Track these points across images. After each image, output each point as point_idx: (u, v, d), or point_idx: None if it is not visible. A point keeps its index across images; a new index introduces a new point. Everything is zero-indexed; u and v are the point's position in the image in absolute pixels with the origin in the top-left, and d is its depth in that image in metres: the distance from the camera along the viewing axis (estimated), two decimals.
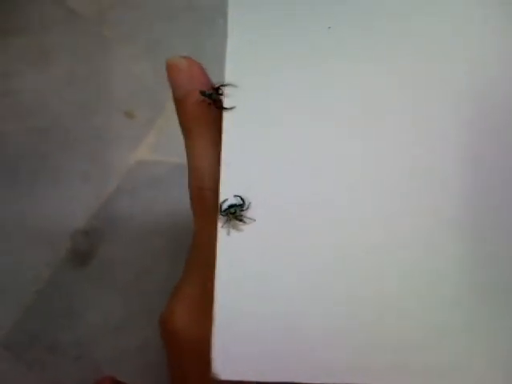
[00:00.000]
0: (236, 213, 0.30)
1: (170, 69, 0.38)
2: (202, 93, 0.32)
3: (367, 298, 0.29)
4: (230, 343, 0.28)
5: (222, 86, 0.31)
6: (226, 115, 0.31)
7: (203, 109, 0.32)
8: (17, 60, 0.80)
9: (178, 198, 0.66)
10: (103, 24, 0.82)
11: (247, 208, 0.31)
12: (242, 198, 0.30)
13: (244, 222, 0.30)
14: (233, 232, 0.29)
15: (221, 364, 0.27)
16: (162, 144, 0.69)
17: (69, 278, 0.65)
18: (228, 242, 0.29)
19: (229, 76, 0.32)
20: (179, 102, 0.39)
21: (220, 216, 0.29)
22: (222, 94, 0.31)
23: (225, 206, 0.30)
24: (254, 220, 0.30)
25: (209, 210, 0.32)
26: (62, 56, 0.79)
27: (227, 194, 0.30)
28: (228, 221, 0.30)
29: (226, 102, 0.31)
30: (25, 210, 0.68)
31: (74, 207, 0.67)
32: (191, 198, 0.36)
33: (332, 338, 0.28)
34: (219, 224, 0.29)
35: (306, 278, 0.29)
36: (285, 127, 0.32)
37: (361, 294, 0.29)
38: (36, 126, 0.72)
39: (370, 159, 0.31)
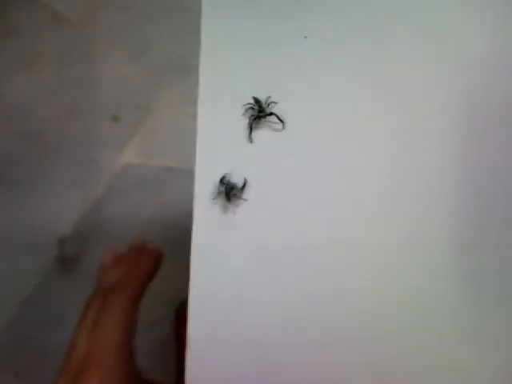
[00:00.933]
0: (234, 189, 0.29)
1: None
2: None
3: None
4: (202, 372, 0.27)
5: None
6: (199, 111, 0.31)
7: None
8: (3, 64, 0.79)
9: (166, 201, 0.65)
10: (91, 27, 0.82)
11: (243, 190, 0.30)
12: (245, 181, 0.30)
13: (236, 200, 0.29)
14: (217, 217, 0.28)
15: None
16: (148, 146, 0.68)
17: (56, 284, 0.64)
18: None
19: (202, 87, 0.32)
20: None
21: (218, 187, 0.29)
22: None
23: (225, 181, 0.29)
24: (246, 200, 0.30)
25: None
26: (50, 60, 0.78)
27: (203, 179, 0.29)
28: (221, 194, 0.29)
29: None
30: (11, 215, 0.67)
31: (61, 212, 0.66)
32: None
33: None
34: (212, 197, 0.29)
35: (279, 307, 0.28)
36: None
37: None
38: (22, 130, 0.71)
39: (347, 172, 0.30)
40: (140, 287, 0.37)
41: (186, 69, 0.69)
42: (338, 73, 0.32)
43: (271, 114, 0.31)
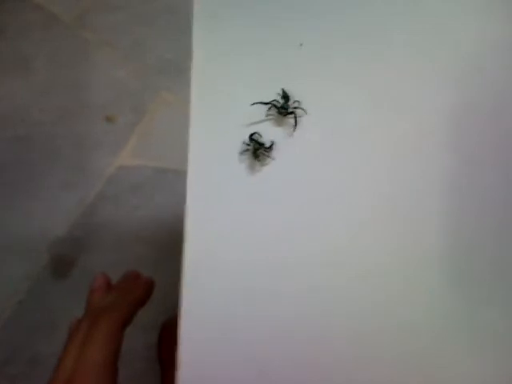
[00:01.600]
0: (262, 147, 0.30)
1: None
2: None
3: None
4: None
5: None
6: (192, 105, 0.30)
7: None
8: None
9: (161, 204, 0.64)
10: (83, 28, 0.81)
11: (270, 150, 0.30)
12: (272, 142, 0.30)
13: (263, 159, 0.30)
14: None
15: None
16: (143, 148, 0.67)
17: (49, 289, 0.63)
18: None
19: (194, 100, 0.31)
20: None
21: (244, 145, 0.29)
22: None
23: (255, 137, 0.30)
24: (273, 159, 0.30)
25: None
26: (42, 61, 0.77)
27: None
28: (248, 151, 0.30)
29: None
30: (4, 220, 0.66)
31: (54, 216, 0.65)
32: None
33: None
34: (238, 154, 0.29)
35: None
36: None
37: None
38: (14, 134, 0.70)
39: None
40: (128, 313, 0.39)
41: (180, 69, 0.68)
42: (334, 79, 0.32)
43: (292, 113, 0.30)
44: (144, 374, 0.60)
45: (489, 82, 0.32)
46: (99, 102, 0.73)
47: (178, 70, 0.69)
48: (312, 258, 0.30)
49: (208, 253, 0.29)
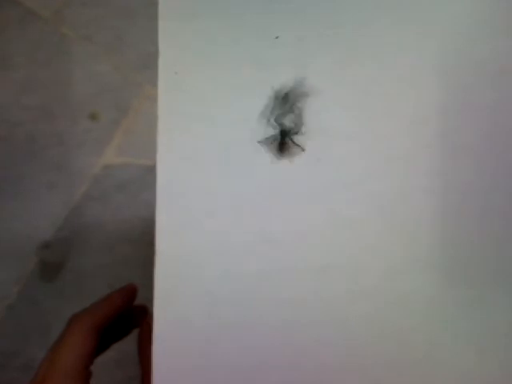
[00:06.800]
0: (291, 132, 0.25)
1: None
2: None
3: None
4: None
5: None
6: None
7: None
8: None
9: (148, 202, 0.63)
10: (63, 23, 0.78)
11: (297, 134, 0.25)
12: (296, 125, 0.25)
13: (293, 145, 0.25)
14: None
15: None
16: (128, 145, 0.66)
17: (39, 293, 0.62)
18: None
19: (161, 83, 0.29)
20: None
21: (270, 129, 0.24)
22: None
23: (279, 122, 0.25)
24: (303, 150, 0.25)
25: None
26: (21, 59, 0.75)
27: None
28: (276, 140, 0.25)
29: None
30: None
31: (41, 218, 0.63)
32: None
33: None
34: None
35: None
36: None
37: None
38: None
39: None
40: (102, 317, 0.38)
41: None
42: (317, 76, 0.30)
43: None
44: (136, 378, 0.59)
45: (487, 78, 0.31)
46: (81, 99, 0.71)
47: None
48: (299, 265, 0.29)
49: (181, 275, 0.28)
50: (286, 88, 0.27)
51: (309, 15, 0.31)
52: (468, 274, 0.29)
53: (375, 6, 0.31)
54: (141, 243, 0.62)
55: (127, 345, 0.60)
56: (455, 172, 0.30)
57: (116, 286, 0.61)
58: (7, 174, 0.66)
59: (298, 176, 0.29)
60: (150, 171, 0.64)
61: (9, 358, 0.61)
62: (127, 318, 0.43)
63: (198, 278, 0.29)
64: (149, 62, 0.72)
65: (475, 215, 0.30)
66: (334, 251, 0.29)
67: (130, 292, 0.42)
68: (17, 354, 0.62)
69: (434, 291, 0.29)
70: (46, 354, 0.35)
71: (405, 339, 0.29)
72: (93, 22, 0.78)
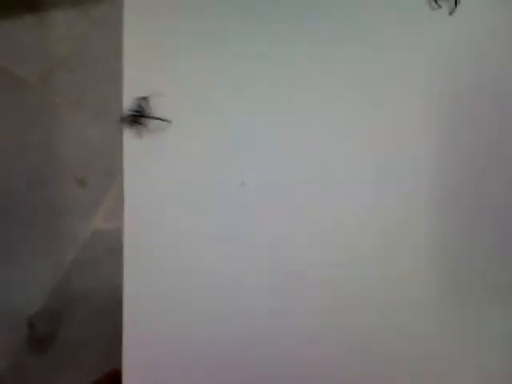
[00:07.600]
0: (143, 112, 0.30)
1: None
2: None
3: None
4: None
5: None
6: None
7: None
8: None
9: None
10: (50, 89, 0.80)
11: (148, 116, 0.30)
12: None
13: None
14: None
15: None
16: (117, 211, 0.66)
17: (30, 364, 0.61)
18: None
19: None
20: None
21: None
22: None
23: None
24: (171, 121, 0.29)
25: None
26: (9, 125, 0.76)
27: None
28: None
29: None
30: None
31: (30, 288, 0.63)
32: None
33: None
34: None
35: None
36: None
37: None
38: None
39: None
40: None
41: None
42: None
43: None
44: None
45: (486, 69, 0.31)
46: (70, 164, 0.72)
47: None
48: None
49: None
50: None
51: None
52: (467, 280, 0.29)
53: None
54: None
55: None
56: (456, 176, 0.30)
57: (108, 356, 0.60)
58: (0, 239, 0.66)
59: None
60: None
61: None
62: None
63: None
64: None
65: (475, 220, 0.30)
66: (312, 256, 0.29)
67: (113, 377, 0.42)
68: None
69: (433, 296, 0.29)
70: None
71: (404, 342, 0.29)
72: (78, 85, 0.80)
